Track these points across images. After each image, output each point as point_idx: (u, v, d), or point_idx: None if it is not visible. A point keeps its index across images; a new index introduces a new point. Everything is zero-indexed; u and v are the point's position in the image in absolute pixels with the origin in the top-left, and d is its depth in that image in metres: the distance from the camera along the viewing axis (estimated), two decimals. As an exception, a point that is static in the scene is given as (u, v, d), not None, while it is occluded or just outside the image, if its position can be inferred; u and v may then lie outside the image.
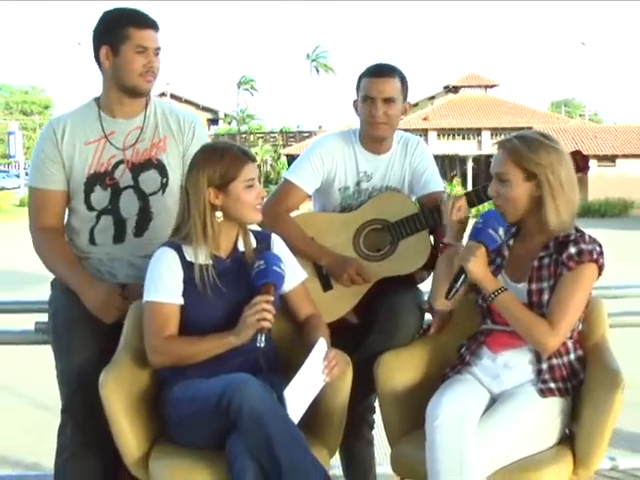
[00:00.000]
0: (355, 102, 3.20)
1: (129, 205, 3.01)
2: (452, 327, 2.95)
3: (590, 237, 2.67)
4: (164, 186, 3.03)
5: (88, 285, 2.91)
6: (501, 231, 2.67)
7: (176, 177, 3.03)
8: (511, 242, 2.80)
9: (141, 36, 2.89)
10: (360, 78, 3.17)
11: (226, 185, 2.65)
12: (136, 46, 2.88)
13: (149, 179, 3.02)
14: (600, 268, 2.65)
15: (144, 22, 2.92)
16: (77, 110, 3.06)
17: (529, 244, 2.75)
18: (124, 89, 2.95)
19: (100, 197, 3.00)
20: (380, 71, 3.13)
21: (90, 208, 3.01)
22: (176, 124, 3.06)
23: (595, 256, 2.62)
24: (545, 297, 2.65)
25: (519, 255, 2.77)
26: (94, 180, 2.99)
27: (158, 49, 2.94)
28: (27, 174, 3.45)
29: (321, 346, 2.60)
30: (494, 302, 2.64)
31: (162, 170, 3.03)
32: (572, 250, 2.62)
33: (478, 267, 2.62)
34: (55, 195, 3.01)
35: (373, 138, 3.18)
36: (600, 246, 2.66)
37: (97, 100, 3.04)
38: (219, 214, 2.67)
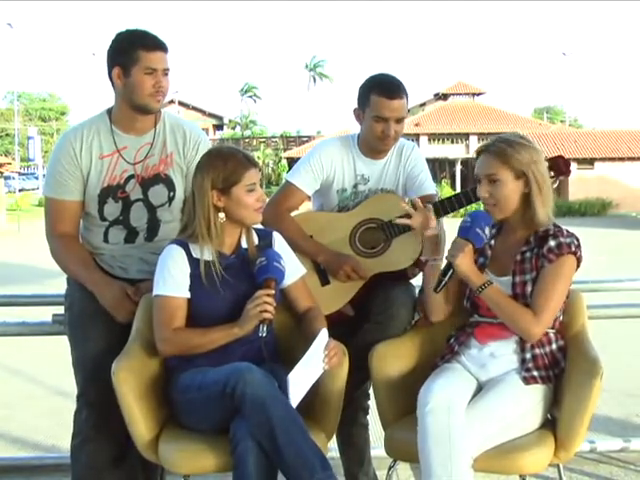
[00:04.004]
0: (356, 111, 3.15)
1: (139, 216, 3.00)
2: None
3: (568, 231, 2.69)
4: (171, 199, 3.02)
5: (104, 285, 2.90)
6: (487, 230, 2.67)
7: (181, 190, 3.02)
8: (492, 242, 2.80)
9: (150, 58, 2.85)
10: (368, 92, 3.08)
11: (229, 188, 2.65)
12: (145, 68, 2.84)
13: (157, 193, 3.00)
14: (578, 260, 2.67)
15: (153, 44, 2.88)
16: (91, 122, 3.01)
17: (510, 240, 2.76)
18: (135, 107, 2.91)
19: (112, 209, 2.98)
20: (393, 92, 3.04)
21: (103, 219, 3.00)
22: (182, 139, 3.02)
23: (573, 249, 2.64)
24: (528, 289, 2.65)
25: (501, 251, 2.77)
26: (107, 192, 2.97)
27: (167, 70, 2.90)
28: (44, 176, 3.41)
29: (323, 336, 2.60)
30: (481, 295, 2.64)
31: (170, 184, 3.01)
32: (552, 243, 2.64)
33: (465, 263, 2.62)
34: (72, 205, 2.98)
35: (380, 151, 3.17)
36: (577, 239, 2.68)
37: (109, 113, 3.00)
38: (222, 215, 2.67)
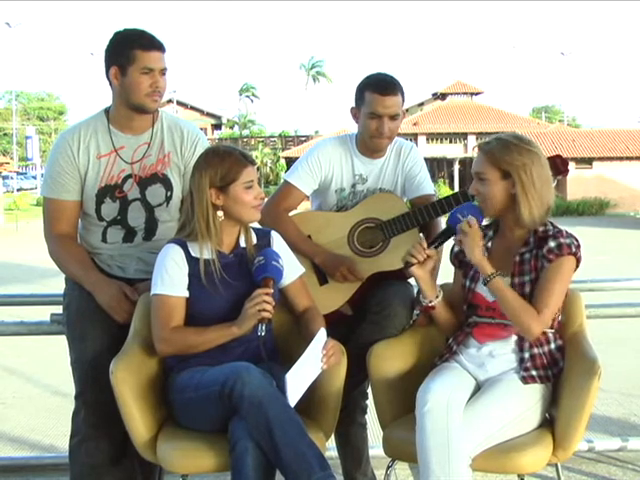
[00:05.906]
0: (353, 110, 3.15)
1: (136, 216, 2.99)
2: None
3: (567, 232, 2.69)
4: (169, 199, 3.01)
5: (102, 285, 2.90)
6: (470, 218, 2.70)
7: (178, 190, 3.02)
8: (489, 244, 2.81)
9: (147, 58, 2.84)
10: (363, 90, 3.09)
11: (226, 186, 2.65)
12: (142, 67, 2.84)
13: (155, 192, 3.00)
14: (578, 261, 2.68)
15: (150, 44, 2.87)
16: (88, 121, 3.01)
17: (508, 240, 2.77)
18: (132, 107, 2.91)
19: (110, 209, 2.98)
20: (387, 88, 3.05)
21: (100, 219, 2.99)
22: (179, 139, 3.02)
23: (573, 249, 2.64)
24: (527, 289, 2.66)
25: (499, 252, 2.77)
26: (105, 192, 2.97)
27: (164, 69, 2.89)
28: (42, 175, 3.41)
29: (321, 336, 2.60)
30: (489, 284, 2.63)
31: (167, 184, 3.00)
32: (552, 244, 2.64)
33: (476, 252, 2.66)
34: (70, 205, 2.97)
35: (375, 149, 3.17)
36: (577, 240, 2.68)
37: (107, 113, 3.00)
38: (220, 213, 2.67)
